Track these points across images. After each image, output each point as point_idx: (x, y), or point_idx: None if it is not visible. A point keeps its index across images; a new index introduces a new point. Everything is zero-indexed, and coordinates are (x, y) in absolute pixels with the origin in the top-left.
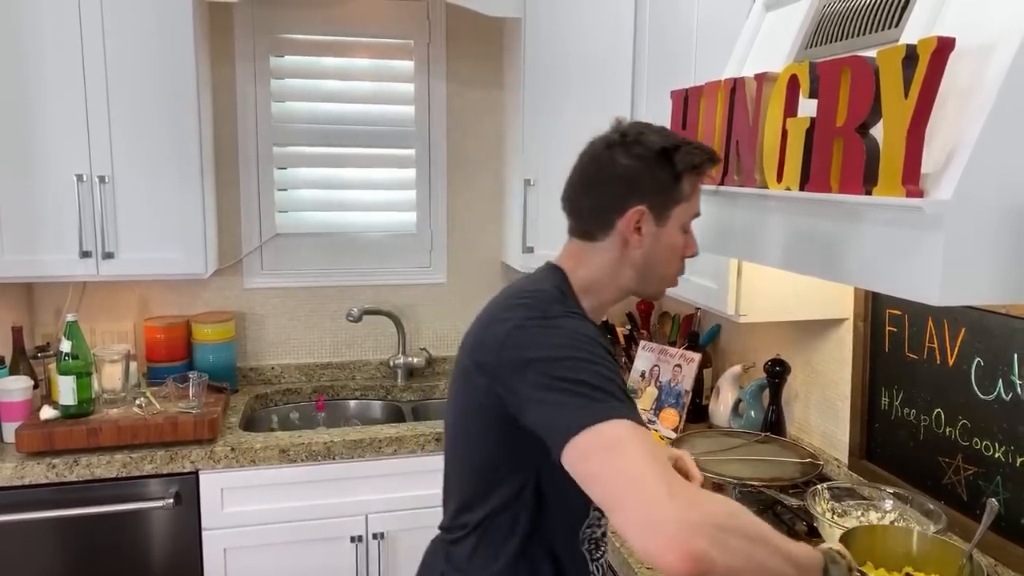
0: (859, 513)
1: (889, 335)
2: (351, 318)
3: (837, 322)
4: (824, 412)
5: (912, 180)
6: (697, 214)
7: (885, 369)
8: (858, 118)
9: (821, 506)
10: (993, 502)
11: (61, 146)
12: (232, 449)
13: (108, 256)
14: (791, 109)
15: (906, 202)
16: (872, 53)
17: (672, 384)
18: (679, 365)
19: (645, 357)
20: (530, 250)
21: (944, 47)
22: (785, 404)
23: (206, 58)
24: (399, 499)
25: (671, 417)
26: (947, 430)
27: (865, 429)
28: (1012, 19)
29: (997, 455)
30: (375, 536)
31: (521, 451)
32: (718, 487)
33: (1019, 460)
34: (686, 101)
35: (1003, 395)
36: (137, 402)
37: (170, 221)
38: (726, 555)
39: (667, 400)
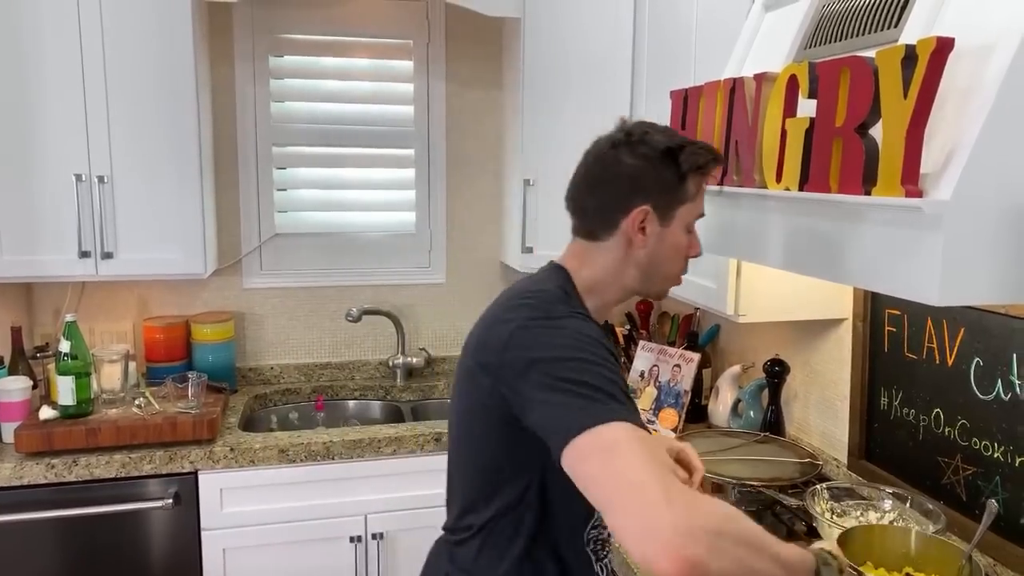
0: (858, 513)
1: (888, 335)
2: (350, 318)
3: (836, 322)
4: (823, 412)
5: (911, 180)
6: (701, 214)
7: (884, 369)
8: (857, 118)
9: (820, 506)
10: (992, 503)
11: (60, 146)
12: (231, 449)
13: (107, 256)
14: (790, 109)
15: (905, 202)
16: (871, 53)
17: (671, 384)
18: (678, 365)
19: (644, 357)
20: (529, 250)
21: (943, 47)
22: (784, 404)
23: (205, 58)
24: (398, 499)
25: (670, 417)
26: (946, 430)
27: (864, 429)
28: (1011, 19)
29: (996, 455)
30: (374, 536)
31: (525, 452)
32: (717, 487)
33: (1018, 460)
34: (685, 101)
35: (1002, 395)
36: (136, 402)
37: (169, 221)
38: (721, 561)
39: (666, 400)
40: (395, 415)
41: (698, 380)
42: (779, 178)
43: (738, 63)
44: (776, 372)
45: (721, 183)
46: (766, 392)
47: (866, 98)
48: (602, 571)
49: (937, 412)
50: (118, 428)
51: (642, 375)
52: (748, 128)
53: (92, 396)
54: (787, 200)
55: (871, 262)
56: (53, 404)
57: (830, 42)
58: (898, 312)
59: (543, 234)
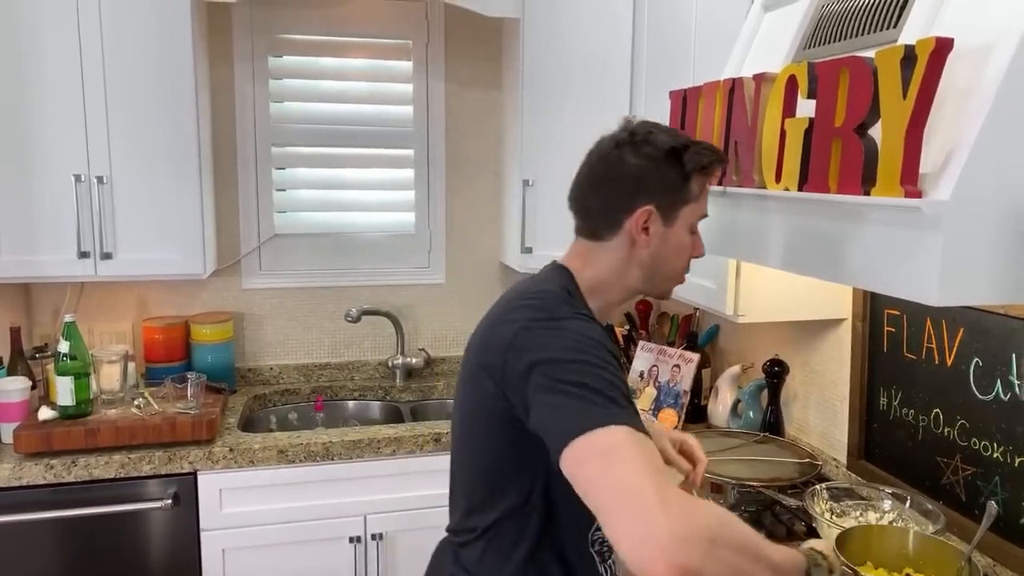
0: (858, 513)
1: (887, 335)
2: (350, 318)
3: (836, 322)
4: (823, 412)
5: (910, 180)
6: (705, 215)
7: (883, 369)
8: (856, 118)
9: (820, 506)
10: (992, 505)
11: (59, 146)
12: (230, 450)
13: (106, 256)
14: (789, 109)
15: (904, 202)
16: (870, 53)
17: (671, 384)
18: (678, 365)
19: (644, 357)
20: (529, 250)
21: (942, 47)
22: (784, 404)
23: (204, 58)
24: (398, 499)
25: (669, 417)
26: (945, 430)
27: (863, 429)
28: (1010, 19)
29: (995, 455)
30: (374, 537)
31: (528, 454)
32: (717, 487)
33: (1017, 460)
34: (685, 101)
35: (1001, 395)
36: (135, 403)
37: (168, 221)
38: (715, 567)
39: (666, 400)
40: (394, 415)
41: (697, 380)
42: (778, 178)
43: (737, 63)
44: (775, 372)
45: (720, 183)
46: (765, 392)
47: (865, 98)
48: (607, 572)
49: (936, 412)
50: (117, 428)
51: (641, 375)
52: (747, 128)
53: (91, 396)
54: (786, 200)
55: (870, 262)
56: (52, 404)
57: (829, 42)
58: (897, 312)
59: (542, 234)
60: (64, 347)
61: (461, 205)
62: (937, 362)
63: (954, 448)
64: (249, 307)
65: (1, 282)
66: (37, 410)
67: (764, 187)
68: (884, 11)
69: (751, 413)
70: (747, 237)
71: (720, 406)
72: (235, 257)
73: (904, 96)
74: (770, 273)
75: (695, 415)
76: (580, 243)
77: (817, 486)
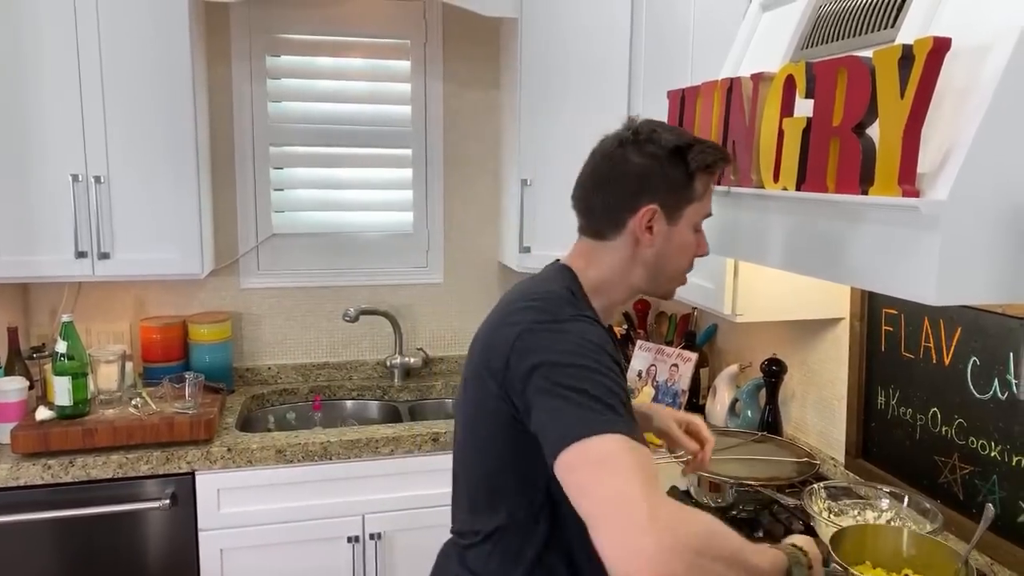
0: (855, 512)
1: (885, 334)
2: (348, 318)
3: (833, 322)
4: (821, 411)
5: (908, 180)
6: (709, 214)
7: (881, 368)
8: (854, 118)
9: (818, 505)
10: (990, 507)
11: (57, 146)
12: (228, 449)
13: (104, 256)
14: (787, 109)
15: (902, 202)
16: (868, 53)
17: (669, 384)
18: (676, 365)
19: (642, 357)
20: (527, 250)
21: (940, 47)
22: (782, 403)
23: (202, 58)
24: (396, 499)
25: None
26: (943, 429)
27: (861, 428)
28: (1008, 19)
29: (993, 454)
30: (372, 536)
31: (531, 456)
32: (715, 486)
33: (1015, 459)
34: (683, 101)
35: (999, 394)
36: (133, 403)
37: (166, 221)
38: None
39: (664, 400)
40: (393, 415)
41: (695, 380)
42: (776, 178)
43: (735, 63)
44: (773, 372)
45: (718, 183)
46: (763, 391)
47: (863, 98)
48: None
49: (934, 411)
50: (115, 428)
51: (639, 375)
52: (745, 128)
53: (89, 396)
54: (785, 200)
55: (868, 262)
56: (50, 405)
57: (827, 42)
58: (895, 311)
59: (541, 234)
60: (62, 347)
61: (459, 205)
62: (935, 361)
63: (952, 447)
64: (247, 307)
65: None
66: (35, 410)
67: (762, 187)
68: (882, 11)
69: (749, 412)
70: (745, 237)
71: (718, 405)
72: (233, 257)
73: (902, 96)
74: (768, 273)
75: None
76: (583, 242)
77: (815, 485)
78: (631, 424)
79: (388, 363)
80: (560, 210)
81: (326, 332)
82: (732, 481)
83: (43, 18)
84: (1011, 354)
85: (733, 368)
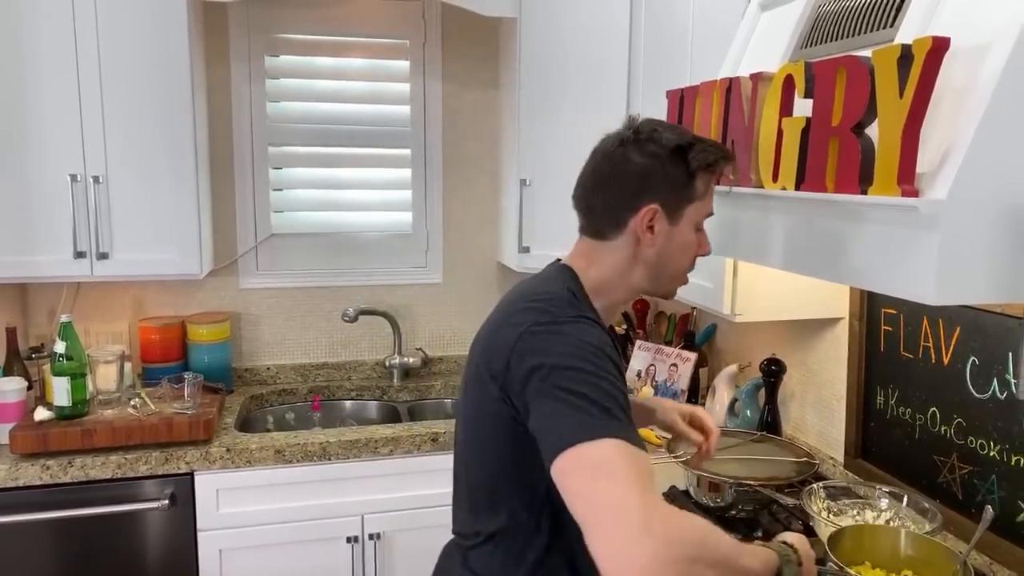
0: (855, 512)
1: (884, 334)
2: (347, 318)
3: (833, 321)
4: (820, 411)
5: (907, 180)
6: (710, 213)
7: (880, 368)
8: (853, 118)
9: (817, 505)
10: (989, 509)
11: (55, 146)
12: (227, 450)
13: (102, 256)
14: (786, 109)
15: (901, 202)
16: (867, 53)
17: (668, 384)
18: (675, 364)
19: (641, 357)
20: (526, 250)
21: (939, 47)
22: (781, 403)
23: (201, 58)
24: (395, 499)
25: None
26: (942, 429)
27: (861, 428)
28: (1007, 18)
29: (992, 454)
30: (371, 536)
31: (532, 458)
32: (715, 486)
33: (1014, 459)
34: (682, 101)
35: (998, 394)
36: (132, 403)
37: (165, 221)
38: None
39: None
40: (392, 415)
41: (695, 379)
42: (775, 178)
43: (734, 63)
44: (773, 371)
45: (717, 183)
46: (763, 391)
47: (862, 98)
48: None
49: (933, 411)
50: (114, 429)
51: (639, 375)
52: (744, 128)
53: (87, 397)
54: (784, 200)
55: (868, 262)
56: (48, 405)
57: (826, 42)
58: (894, 311)
59: (540, 234)
60: (60, 347)
61: (458, 205)
62: (934, 361)
63: (951, 447)
64: (246, 307)
65: None
66: (33, 411)
67: (761, 187)
68: (881, 10)
69: (748, 412)
70: (745, 237)
71: (717, 405)
72: (232, 257)
73: (901, 95)
74: (767, 272)
75: None
76: (584, 242)
77: (814, 485)
78: (629, 428)
79: (387, 363)
80: (559, 210)
81: (325, 332)
82: (731, 481)
83: (42, 18)
84: (1010, 354)
85: (732, 368)
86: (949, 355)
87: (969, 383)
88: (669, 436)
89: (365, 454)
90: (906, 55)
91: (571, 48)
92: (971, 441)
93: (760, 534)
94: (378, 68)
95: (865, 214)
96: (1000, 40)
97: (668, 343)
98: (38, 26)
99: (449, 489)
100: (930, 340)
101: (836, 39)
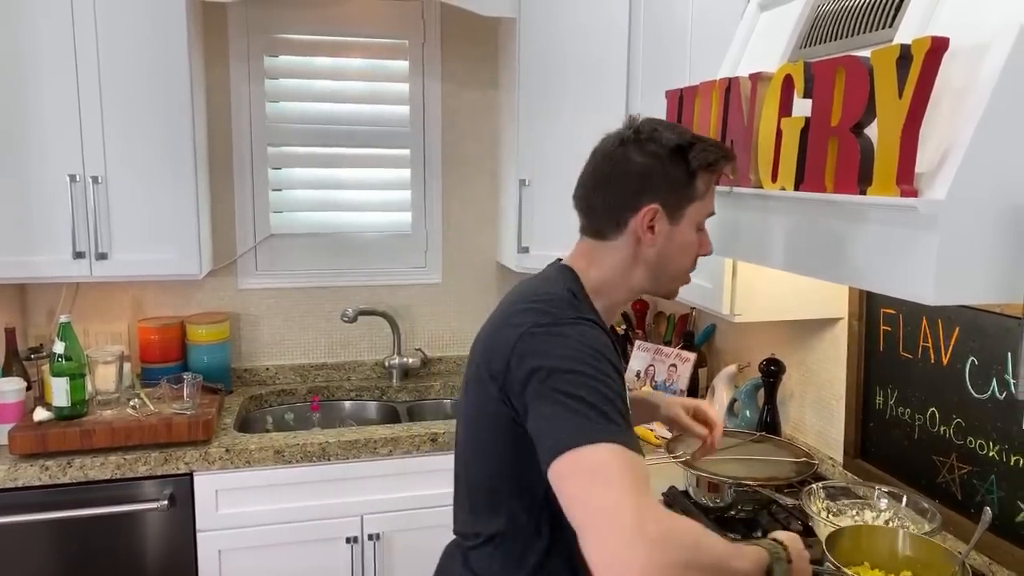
0: (854, 512)
1: (884, 334)
2: (346, 319)
3: (832, 321)
4: (819, 411)
5: (906, 180)
6: (712, 213)
7: (880, 368)
8: (852, 118)
9: (816, 505)
10: (988, 511)
11: (54, 146)
12: (227, 450)
13: (101, 257)
14: (785, 109)
15: (900, 202)
16: (866, 53)
17: (667, 384)
18: (674, 365)
19: (640, 357)
20: (525, 250)
21: (938, 47)
22: (780, 403)
23: (200, 58)
24: (395, 500)
25: None
26: (941, 429)
27: (860, 428)
28: (1006, 18)
29: (991, 454)
30: (371, 537)
31: (532, 459)
32: (714, 487)
33: (1013, 459)
34: (681, 101)
35: (997, 394)
36: (131, 403)
37: (164, 222)
38: None
39: None
40: (391, 416)
41: (694, 380)
42: (774, 178)
43: (733, 63)
44: (772, 371)
45: (717, 183)
46: (762, 391)
47: (861, 98)
48: None
49: (932, 411)
50: (113, 429)
51: (638, 375)
52: (743, 128)
53: (87, 397)
54: (783, 200)
55: (867, 262)
56: (47, 405)
57: (825, 42)
58: (893, 311)
59: (539, 234)
60: (59, 348)
61: (458, 205)
62: (933, 361)
63: (950, 447)
64: (245, 307)
65: None
66: (32, 411)
67: (760, 187)
68: (880, 10)
69: (748, 412)
70: (745, 238)
71: (716, 405)
72: (231, 257)
73: (900, 95)
74: (767, 273)
75: None
76: (585, 242)
77: (813, 485)
78: (627, 433)
79: (386, 363)
80: (559, 210)
81: (324, 332)
82: (731, 481)
83: (41, 18)
84: (1009, 354)
85: (731, 368)
86: (948, 355)
87: (968, 383)
88: (669, 436)
89: (364, 454)
90: (905, 55)
91: (570, 48)
92: (970, 441)
93: (759, 534)
94: (377, 68)
95: (864, 214)
96: (999, 40)
97: (667, 343)
98: (37, 26)
99: (448, 489)
100: (929, 340)
101: (835, 39)
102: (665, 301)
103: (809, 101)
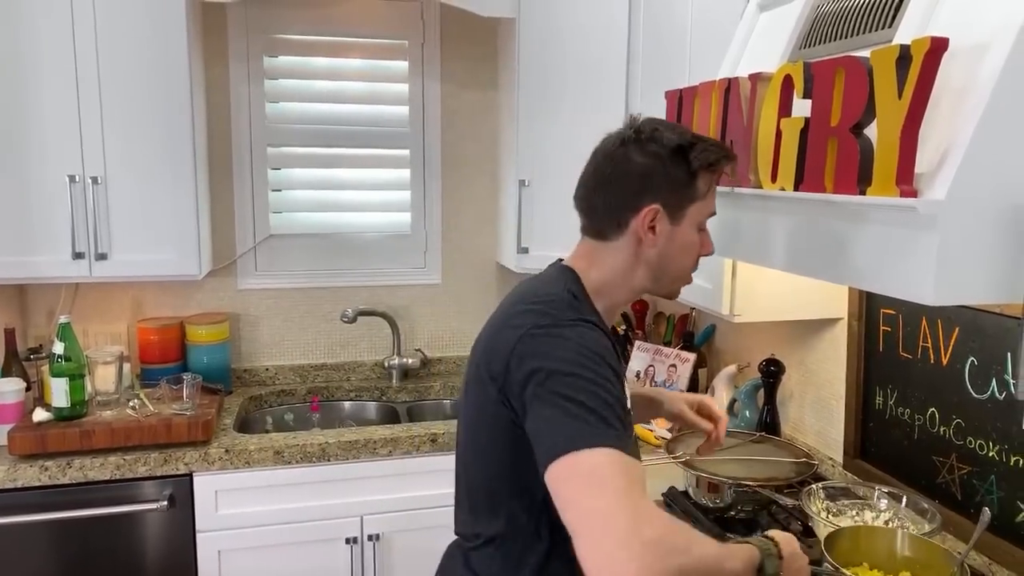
0: (854, 512)
1: (883, 335)
2: (346, 319)
3: (832, 322)
4: (819, 411)
5: (906, 180)
6: (712, 213)
7: (879, 368)
8: (852, 118)
9: (816, 505)
10: (986, 511)
11: (54, 147)
12: (226, 451)
13: (101, 257)
14: (785, 109)
15: (900, 202)
16: (866, 53)
17: (667, 384)
18: (674, 365)
19: (640, 357)
20: (525, 250)
21: (938, 47)
22: (780, 404)
23: (199, 58)
24: (394, 500)
25: None
26: (941, 429)
27: (859, 428)
28: (1006, 18)
29: (991, 454)
30: (370, 538)
31: (530, 462)
32: (714, 487)
33: (1013, 459)
34: (680, 102)
35: (996, 394)
36: (131, 404)
37: (163, 222)
38: None
39: None
40: (391, 416)
41: (694, 380)
42: (774, 178)
43: (733, 63)
44: (772, 372)
45: (718, 183)
46: (762, 392)
47: (861, 98)
48: None
49: (932, 411)
50: (112, 430)
51: (637, 375)
52: (743, 128)
53: (86, 398)
54: (783, 201)
55: (866, 262)
56: (47, 406)
57: (825, 42)
58: (893, 312)
59: (539, 234)
60: (59, 348)
61: (457, 205)
62: (933, 361)
63: (950, 447)
64: (245, 308)
65: None
66: (32, 412)
67: (760, 187)
68: (879, 11)
69: (747, 412)
70: (746, 238)
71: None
72: (231, 258)
73: (900, 96)
74: (766, 273)
75: None
76: (586, 243)
77: (813, 485)
78: (624, 437)
79: (386, 364)
80: (558, 210)
81: (324, 333)
82: (730, 481)
83: (40, 19)
84: (1009, 354)
85: (731, 368)
86: (948, 355)
87: (968, 383)
88: (669, 437)
89: (364, 455)
90: (905, 55)
91: (570, 48)
92: (970, 441)
93: (758, 534)
94: (377, 69)
95: (864, 215)
96: (999, 40)
97: (667, 343)
98: (37, 26)
99: (448, 490)
100: (929, 340)
101: (835, 39)
102: (665, 301)
103: (809, 101)
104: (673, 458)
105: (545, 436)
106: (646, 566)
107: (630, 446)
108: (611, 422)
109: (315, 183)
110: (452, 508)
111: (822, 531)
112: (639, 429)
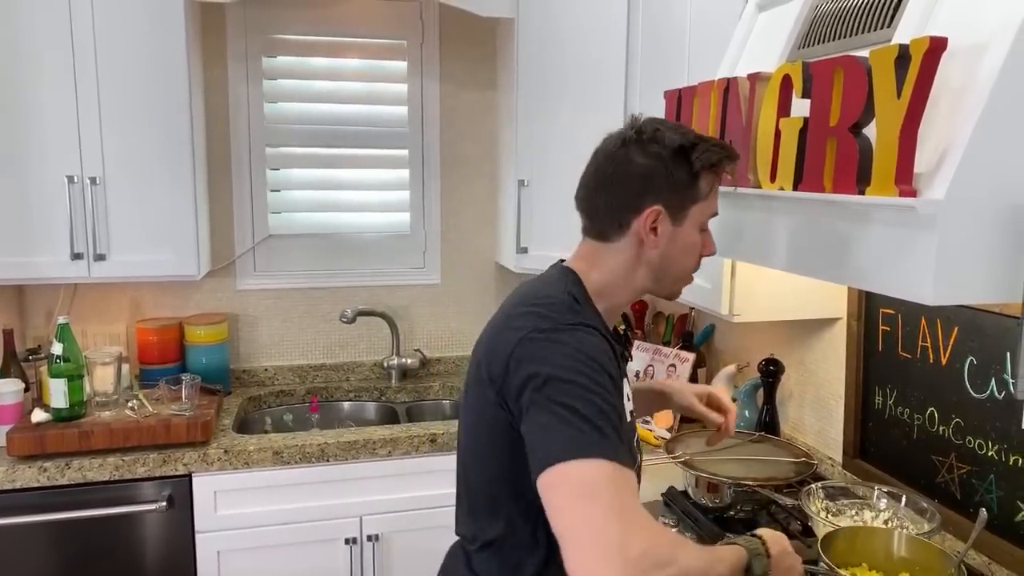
0: (853, 512)
1: (882, 334)
2: (345, 319)
3: (831, 321)
4: (818, 411)
5: (905, 180)
6: (714, 213)
7: (878, 368)
8: (851, 118)
9: (815, 505)
10: (983, 512)
11: (52, 147)
12: (225, 451)
13: (100, 258)
14: (784, 109)
15: (899, 202)
16: (865, 53)
17: None
18: (673, 365)
19: (639, 357)
20: (524, 251)
21: (937, 47)
22: (779, 403)
23: (198, 58)
24: (394, 501)
25: (665, 417)
26: (940, 429)
27: (859, 428)
28: (1005, 18)
29: (990, 453)
30: (370, 538)
31: (528, 466)
32: (713, 487)
33: (1012, 458)
34: (679, 102)
35: (996, 394)
36: (129, 404)
37: (162, 222)
38: None
39: None
40: (390, 416)
41: (693, 380)
42: (773, 178)
43: (732, 63)
44: (771, 372)
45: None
46: (761, 391)
47: (860, 98)
48: None
49: (931, 411)
50: (111, 431)
51: (637, 375)
52: (742, 128)
53: (85, 399)
54: (783, 201)
55: (866, 262)
56: (45, 407)
57: (824, 42)
58: (892, 311)
59: (538, 235)
60: (57, 349)
61: (456, 205)
62: (932, 361)
63: (949, 447)
64: (244, 308)
65: None
66: (30, 412)
67: (759, 187)
68: (878, 11)
69: (747, 412)
70: (746, 239)
71: None
72: (229, 258)
73: (898, 95)
74: (765, 273)
75: None
76: (587, 244)
77: (813, 485)
78: (618, 447)
79: (385, 364)
80: (558, 211)
81: (323, 333)
82: (730, 481)
83: (39, 19)
84: (1008, 353)
85: (731, 368)
86: (947, 355)
87: (967, 383)
88: (668, 436)
89: (363, 455)
90: (903, 55)
91: (569, 49)
92: (969, 441)
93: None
94: (375, 69)
95: (863, 214)
96: (997, 39)
97: (666, 343)
98: (35, 27)
99: (447, 490)
100: (928, 340)
101: (833, 39)
102: (664, 301)
103: (808, 101)
104: (673, 458)
105: (539, 444)
106: None
107: (624, 455)
108: (605, 431)
109: (314, 183)
110: (451, 508)
111: (821, 531)
112: (639, 429)
